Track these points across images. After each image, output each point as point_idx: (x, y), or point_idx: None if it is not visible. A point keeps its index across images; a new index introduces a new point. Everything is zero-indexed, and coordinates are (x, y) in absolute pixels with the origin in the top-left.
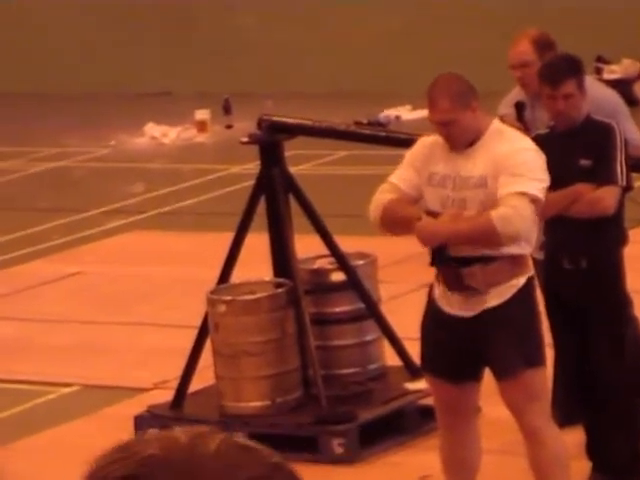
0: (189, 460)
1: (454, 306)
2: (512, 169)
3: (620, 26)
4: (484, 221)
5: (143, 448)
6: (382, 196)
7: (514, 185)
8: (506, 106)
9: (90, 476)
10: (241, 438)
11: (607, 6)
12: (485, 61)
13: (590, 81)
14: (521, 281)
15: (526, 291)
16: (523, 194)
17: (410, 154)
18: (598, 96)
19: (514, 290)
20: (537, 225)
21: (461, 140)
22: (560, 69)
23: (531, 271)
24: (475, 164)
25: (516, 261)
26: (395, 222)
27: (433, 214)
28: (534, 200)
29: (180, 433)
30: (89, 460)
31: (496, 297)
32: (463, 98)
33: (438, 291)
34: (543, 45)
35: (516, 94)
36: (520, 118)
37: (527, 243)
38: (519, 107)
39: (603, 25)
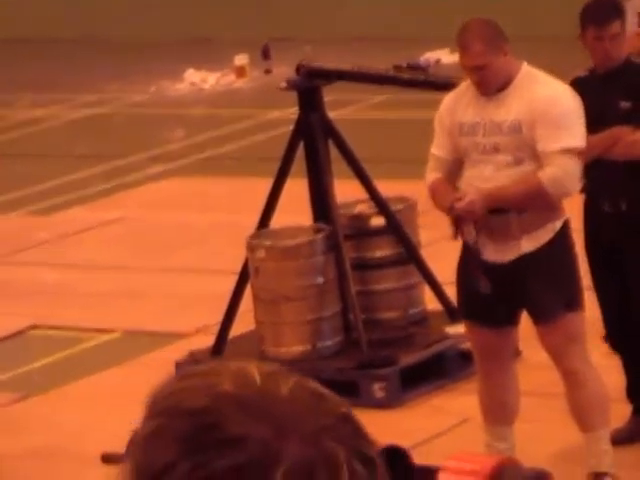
0: (261, 401)
1: (490, 252)
2: (553, 120)
3: None
4: (535, 185)
5: (217, 381)
6: (428, 176)
7: (558, 140)
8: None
9: (157, 401)
10: (313, 383)
11: None
12: (520, 5)
13: None
14: (557, 225)
15: (562, 235)
16: (569, 150)
17: (437, 117)
18: None
19: (551, 234)
20: None
21: (493, 84)
22: (606, 9)
23: (566, 214)
24: (509, 109)
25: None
26: (439, 208)
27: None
28: (580, 153)
29: (254, 370)
30: (147, 395)
31: (532, 242)
32: (495, 42)
33: None
34: None
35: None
36: None
37: None
38: None
39: None
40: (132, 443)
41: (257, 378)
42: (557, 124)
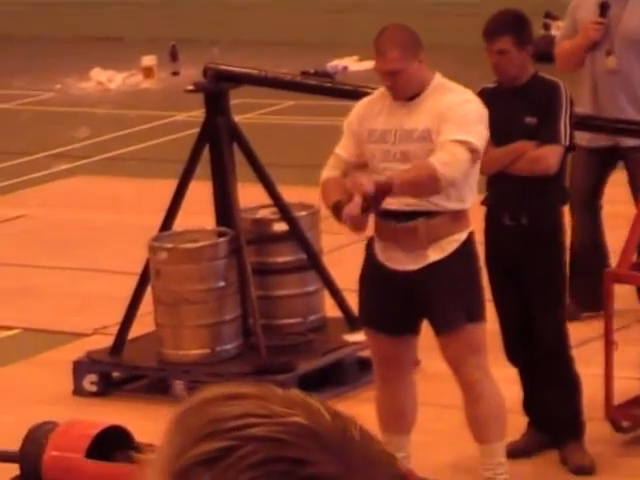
0: (339, 441)
1: (394, 261)
2: (454, 119)
3: None
4: (426, 166)
5: (285, 411)
6: (324, 173)
7: (455, 133)
8: (583, 6)
9: (218, 420)
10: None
11: None
12: (431, 13)
13: None
14: (462, 236)
15: (467, 246)
16: (462, 142)
17: (346, 122)
18: None
19: (456, 245)
20: (476, 178)
21: (406, 91)
22: (498, 24)
23: (472, 226)
24: (419, 117)
25: (457, 216)
26: (328, 208)
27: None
28: (472, 150)
29: (318, 404)
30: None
31: (438, 252)
32: (412, 49)
33: (378, 245)
34: None
35: None
36: (603, 16)
37: (469, 196)
38: (604, 7)
39: None
40: (189, 459)
41: (325, 414)
42: (457, 122)
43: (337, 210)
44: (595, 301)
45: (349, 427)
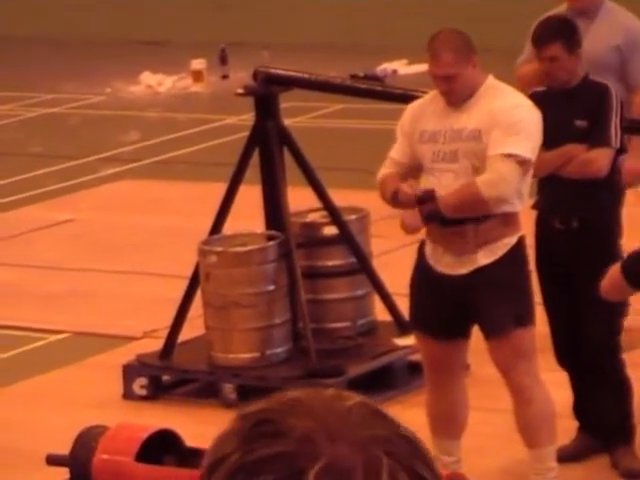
0: (321, 409)
1: (445, 264)
2: (506, 126)
3: None
4: (470, 189)
5: (289, 394)
6: (380, 172)
7: (505, 145)
8: None
9: (235, 418)
10: (378, 405)
11: None
12: (481, 17)
13: (620, 10)
14: (513, 240)
15: (518, 250)
16: (511, 156)
17: (399, 124)
18: (628, 24)
19: (506, 249)
20: (528, 183)
21: (460, 95)
22: (548, 31)
23: (522, 230)
24: (469, 117)
25: (508, 219)
26: (388, 201)
27: (426, 192)
28: (522, 162)
29: (329, 390)
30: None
31: (488, 255)
32: (466, 53)
33: (429, 249)
34: None
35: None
36: None
37: (519, 200)
38: None
39: None
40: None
41: (328, 394)
42: (508, 131)
43: (397, 196)
44: None
45: (342, 400)
